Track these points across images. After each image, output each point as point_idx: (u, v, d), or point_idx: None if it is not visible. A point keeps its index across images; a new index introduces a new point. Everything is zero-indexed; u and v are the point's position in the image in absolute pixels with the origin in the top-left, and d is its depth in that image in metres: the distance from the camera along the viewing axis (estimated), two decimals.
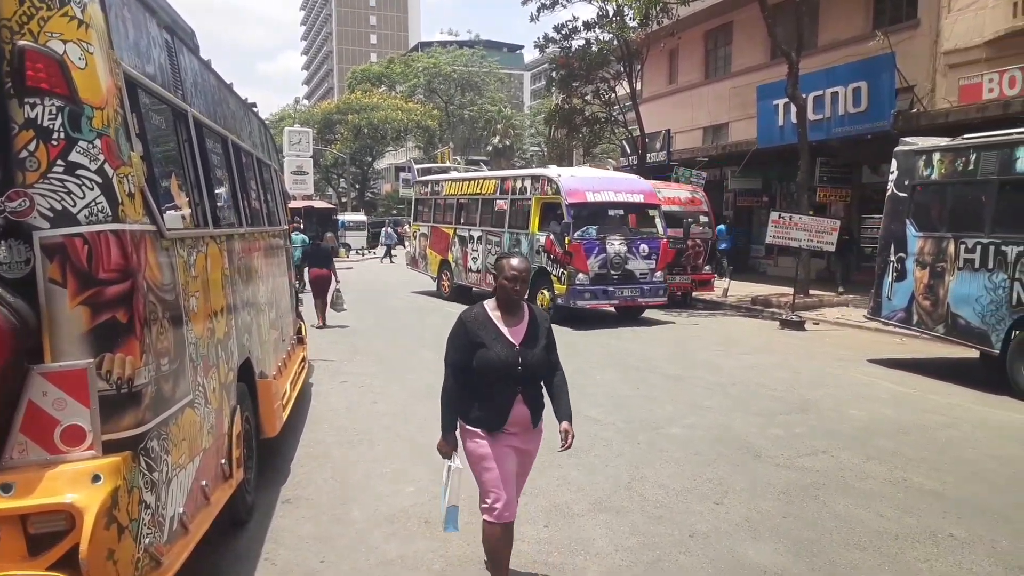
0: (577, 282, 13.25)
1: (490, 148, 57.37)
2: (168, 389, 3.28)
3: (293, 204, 32.60)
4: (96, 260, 2.86)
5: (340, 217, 40.02)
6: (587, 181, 14.32)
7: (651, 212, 14.49)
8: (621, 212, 14.03)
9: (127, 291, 2.93)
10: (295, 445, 6.54)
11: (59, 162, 2.84)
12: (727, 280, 18.28)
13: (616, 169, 23.58)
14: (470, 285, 16.74)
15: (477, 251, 16.29)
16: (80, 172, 2.86)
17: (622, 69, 24.58)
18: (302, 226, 26.72)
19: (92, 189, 2.87)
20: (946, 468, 6.00)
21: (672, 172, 21.17)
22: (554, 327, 4.00)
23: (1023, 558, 4.39)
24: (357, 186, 64.34)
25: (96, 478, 2.77)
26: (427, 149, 57.19)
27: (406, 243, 32.90)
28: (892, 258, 10.09)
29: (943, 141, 9.89)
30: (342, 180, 63.02)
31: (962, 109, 15.28)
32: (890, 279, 10.13)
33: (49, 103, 2.82)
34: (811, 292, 16.52)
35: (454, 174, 22.64)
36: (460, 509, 3.75)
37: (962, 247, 9.03)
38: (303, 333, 9.10)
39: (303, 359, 8.31)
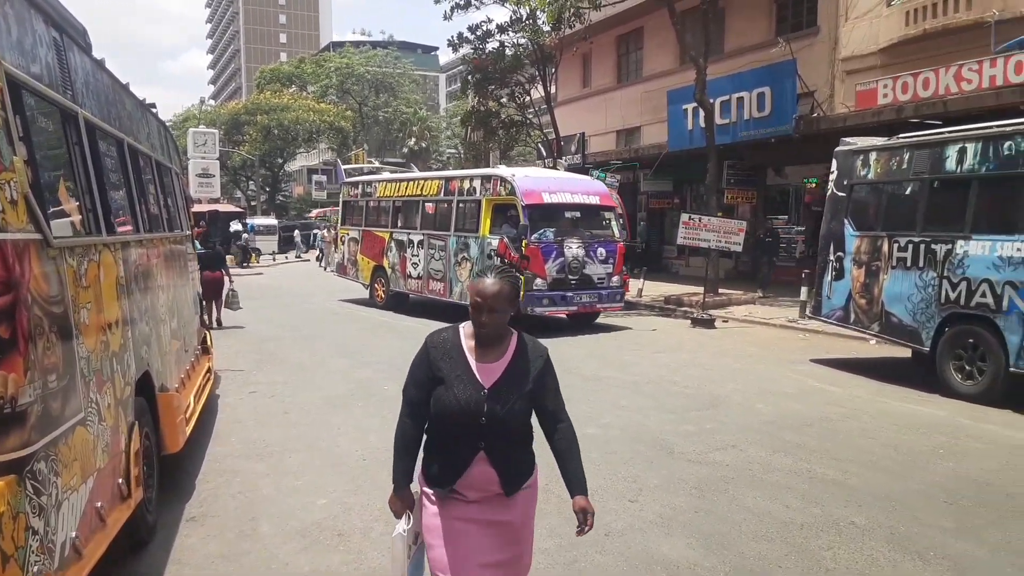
0: (535, 288, 12.67)
1: (406, 150, 56.92)
2: (56, 407, 3.09)
3: (198, 208, 31.53)
4: None
5: (249, 221, 38.71)
6: (542, 181, 13.78)
7: (606, 214, 14.07)
8: (577, 214, 13.54)
9: (9, 304, 2.74)
10: (201, 460, 6.28)
11: None
12: (642, 280, 18.66)
13: None
14: (408, 292, 15.96)
15: (418, 256, 15.40)
16: None
17: (536, 72, 24.81)
18: (206, 231, 25.79)
19: None
20: (847, 458, 6.27)
21: (588, 175, 21.47)
22: None
23: (919, 542, 4.62)
24: (267, 189, 62.73)
25: None
26: (341, 151, 56.17)
27: (321, 247, 32.13)
28: (831, 257, 10.15)
29: (879, 141, 10.02)
30: (251, 183, 61.29)
31: (859, 114, 16.02)
32: (829, 278, 10.20)
33: None
34: (720, 291, 17.04)
35: (387, 175, 21.34)
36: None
37: (895, 246, 9.16)
38: (208, 342, 8.78)
39: (209, 369, 8.02)
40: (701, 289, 15.51)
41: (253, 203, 56.36)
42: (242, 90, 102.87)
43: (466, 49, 25.90)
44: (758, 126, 18.18)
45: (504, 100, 25.85)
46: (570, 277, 12.99)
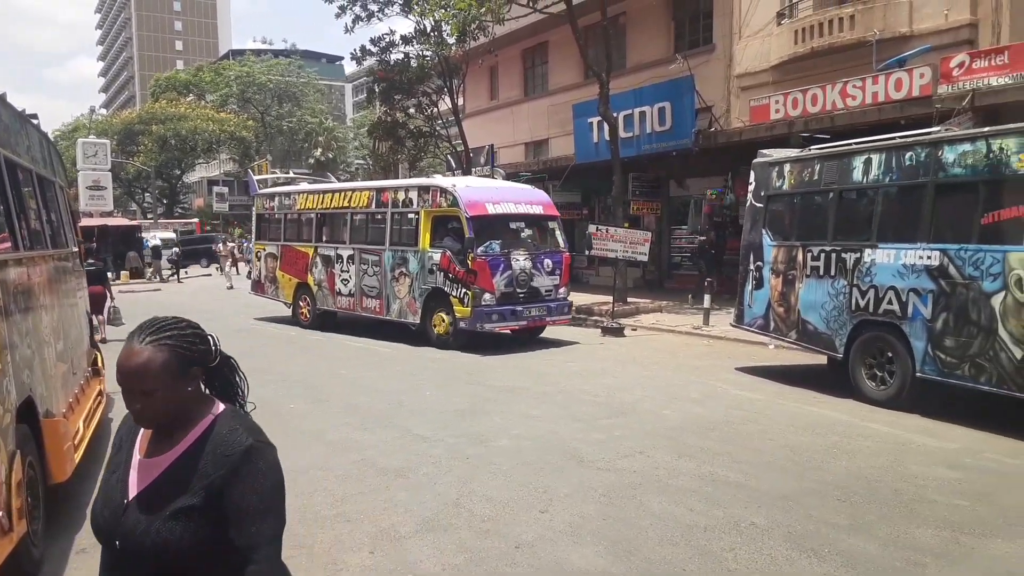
0: (483, 303, 12.15)
1: (312, 161, 55.77)
2: None
3: (88, 222, 29.90)
4: None
5: (145, 236, 36.35)
6: (485, 192, 13.26)
7: (550, 224, 13.68)
8: (522, 224, 13.12)
9: None
10: (92, 488, 5.93)
11: None
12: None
13: None
14: (338, 310, 15.10)
15: (348, 272, 14.57)
16: None
17: (444, 84, 24.80)
18: (95, 247, 24.31)
19: None
20: (747, 460, 6.49)
21: None
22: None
23: (815, 540, 4.82)
24: (165, 201, 60.30)
25: None
26: (243, 161, 54.55)
27: (222, 263, 30.90)
28: (751, 267, 10.32)
29: (793, 152, 10.27)
30: (147, 194, 58.76)
31: (753, 128, 16.72)
32: (750, 287, 10.34)
33: None
34: (629, 300, 17.40)
35: (306, 185, 19.67)
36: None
37: (809, 255, 9.33)
38: (100, 364, 8.33)
39: (100, 392, 7.60)
40: (611, 298, 15.81)
41: (150, 215, 54.00)
42: (136, 99, 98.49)
43: (370, 61, 25.63)
44: (660, 139, 18.67)
45: (412, 111, 25.68)
46: (519, 291, 12.55)
